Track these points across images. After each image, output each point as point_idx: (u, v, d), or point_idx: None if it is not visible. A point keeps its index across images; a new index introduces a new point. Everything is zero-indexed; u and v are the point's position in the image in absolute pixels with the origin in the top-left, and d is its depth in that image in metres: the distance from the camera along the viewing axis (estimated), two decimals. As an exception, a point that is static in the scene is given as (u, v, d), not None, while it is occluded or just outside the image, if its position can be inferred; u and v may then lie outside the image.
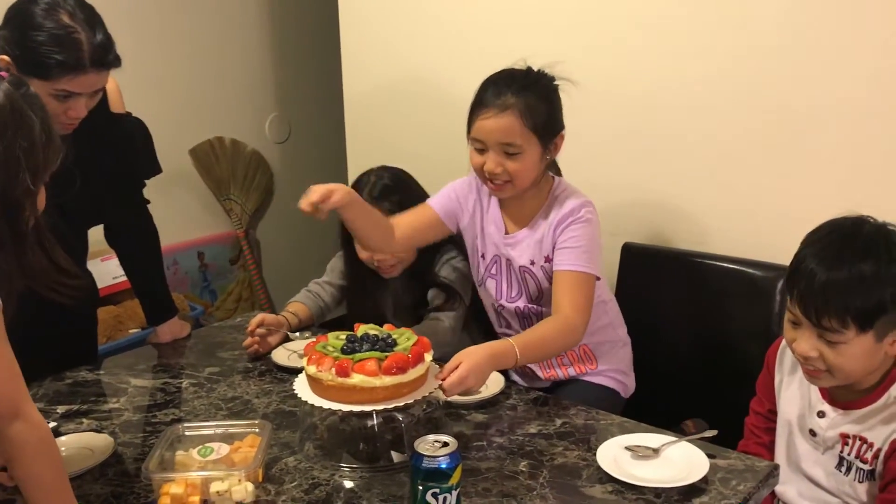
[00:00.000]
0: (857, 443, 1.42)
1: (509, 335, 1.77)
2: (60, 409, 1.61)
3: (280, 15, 3.63)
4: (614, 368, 1.89)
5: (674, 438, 1.40)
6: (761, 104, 1.91)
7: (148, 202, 2.00)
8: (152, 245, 2.02)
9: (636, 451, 1.37)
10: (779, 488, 1.50)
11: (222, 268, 3.57)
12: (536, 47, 1.78)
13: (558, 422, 1.51)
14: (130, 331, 2.64)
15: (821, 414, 1.48)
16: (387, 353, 1.38)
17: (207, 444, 1.35)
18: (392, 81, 2.60)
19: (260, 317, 1.90)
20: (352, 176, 2.80)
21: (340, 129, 2.87)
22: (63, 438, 1.48)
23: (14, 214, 1.10)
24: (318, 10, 3.62)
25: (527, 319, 1.83)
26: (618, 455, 1.36)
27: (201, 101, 3.39)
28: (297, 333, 1.94)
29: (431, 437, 1.19)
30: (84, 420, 1.58)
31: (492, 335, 1.91)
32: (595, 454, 1.36)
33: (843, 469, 1.45)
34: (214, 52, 3.39)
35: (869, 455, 1.41)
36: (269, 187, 3.70)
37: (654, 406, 1.79)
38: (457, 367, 1.43)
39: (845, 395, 1.45)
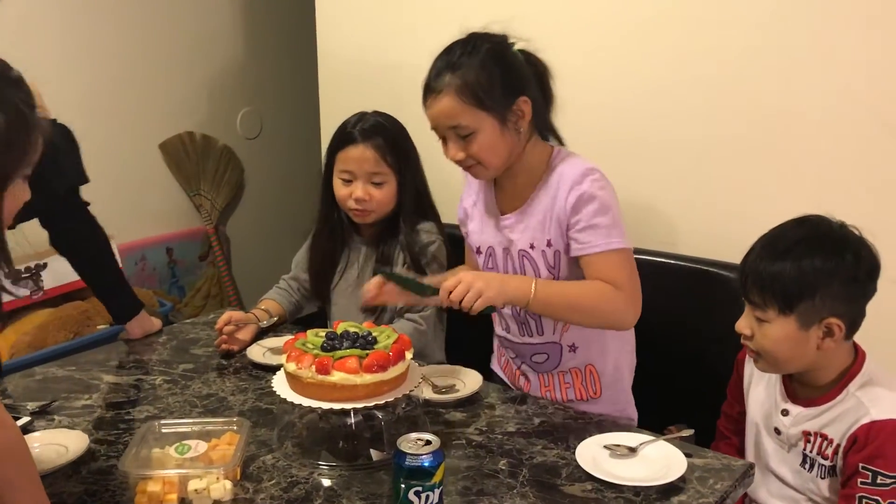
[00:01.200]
0: (819, 439, 1.45)
1: (508, 340, 1.77)
2: (31, 406, 1.58)
3: (253, 8, 3.60)
4: (620, 399, 1.76)
5: (651, 437, 1.41)
6: (732, 107, 1.93)
7: (87, 204, 1.88)
8: (98, 248, 1.91)
9: (614, 450, 1.38)
10: (750, 488, 1.52)
11: (191, 264, 3.53)
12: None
13: (536, 420, 1.52)
14: (99, 327, 2.60)
15: (784, 412, 1.51)
16: (367, 351, 1.37)
17: (184, 442, 1.33)
18: (370, 75, 2.58)
19: (227, 314, 1.87)
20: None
21: (314, 125, 2.85)
22: (36, 434, 1.45)
23: None
24: (293, 3, 3.60)
25: (524, 324, 1.71)
26: (596, 454, 1.37)
27: (172, 95, 3.34)
28: (264, 323, 1.93)
29: (414, 434, 1.19)
30: (55, 417, 1.55)
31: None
32: (574, 453, 1.37)
33: (807, 466, 1.48)
34: (186, 45, 3.34)
35: (829, 451, 1.44)
36: (240, 183, 3.66)
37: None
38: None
39: (806, 392, 1.49)
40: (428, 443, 1.17)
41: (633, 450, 1.38)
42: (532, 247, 1.63)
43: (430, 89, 1.55)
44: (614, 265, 1.54)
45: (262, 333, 1.93)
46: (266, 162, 3.75)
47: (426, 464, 1.14)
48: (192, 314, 3.43)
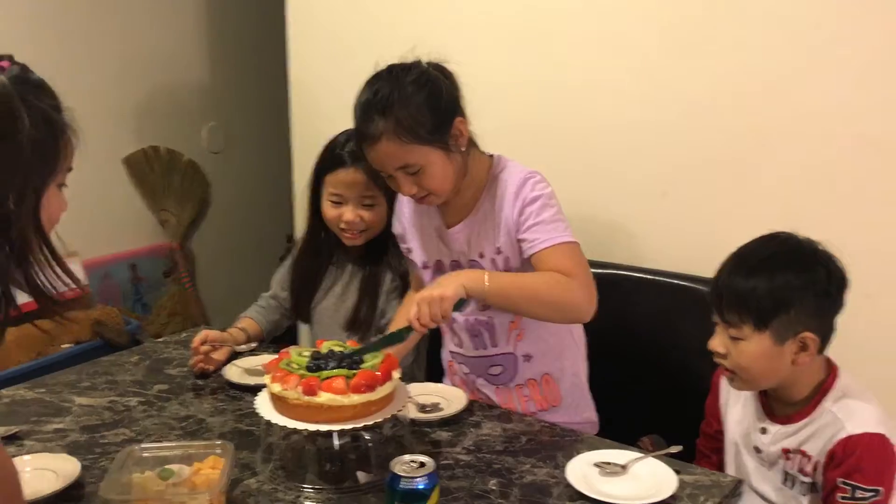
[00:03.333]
0: (798, 456, 1.46)
1: (462, 355, 1.76)
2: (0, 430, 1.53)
3: (218, 21, 3.56)
4: (581, 404, 1.76)
5: (640, 455, 1.40)
6: (702, 123, 1.94)
7: None
8: None
9: (604, 468, 1.37)
10: None
11: (156, 281, 3.46)
12: (484, 57, 1.73)
13: (524, 439, 1.51)
14: (63, 346, 2.52)
15: (763, 430, 1.51)
16: (354, 371, 1.35)
17: (167, 466, 1.29)
18: (345, 87, 2.55)
19: (203, 333, 1.83)
20: (298, 184, 2.74)
21: (282, 138, 2.82)
22: (27, 458, 1.40)
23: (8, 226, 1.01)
24: (259, 18, 3.57)
25: (477, 337, 1.70)
26: (586, 472, 1.36)
27: (136, 109, 3.28)
28: (244, 346, 1.89)
29: (407, 456, 1.17)
30: (25, 442, 1.50)
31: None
32: (563, 471, 1.36)
33: (789, 484, 1.49)
34: (150, 58, 3.29)
35: (809, 468, 1.45)
36: (206, 198, 3.60)
37: (605, 424, 1.80)
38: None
39: (783, 410, 1.50)
40: (422, 465, 1.15)
41: (623, 467, 1.37)
42: (482, 255, 1.63)
43: (365, 136, 1.52)
44: (563, 256, 1.53)
45: (236, 353, 1.89)
46: (231, 177, 3.70)
47: (421, 486, 1.13)
48: (157, 332, 3.35)
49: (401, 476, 1.12)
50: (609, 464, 1.37)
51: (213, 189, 3.63)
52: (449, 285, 1.44)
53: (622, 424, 1.77)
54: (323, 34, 2.61)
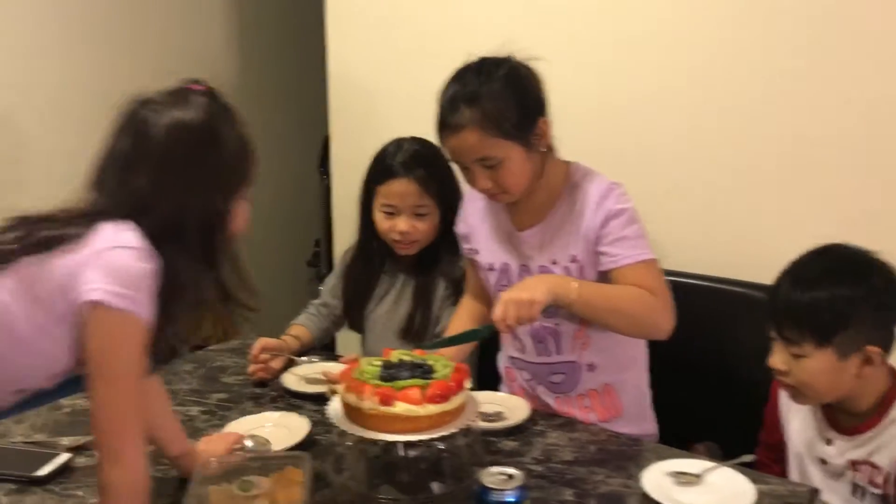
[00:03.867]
0: (867, 468, 1.45)
1: (524, 361, 1.74)
2: (66, 441, 1.52)
3: (250, 23, 3.56)
4: (641, 416, 1.74)
5: (713, 464, 1.40)
6: (755, 131, 1.93)
7: None
8: None
9: (679, 478, 1.36)
10: None
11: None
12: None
13: (592, 448, 1.50)
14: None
15: (828, 441, 1.50)
16: (428, 381, 1.34)
17: (246, 478, 1.29)
18: (382, 94, 2.55)
19: (261, 342, 1.84)
20: (337, 188, 2.74)
21: (311, 142, 2.77)
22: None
23: (210, 235, 1.14)
24: (292, 17, 3.57)
25: (541, 343, 1.69)
26: (661, 481, 1.35)
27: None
28: (304, 357, 1.89)
29: (495, 468, 1.17)
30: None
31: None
32: (637, 481, 1.35)
33: (859, 495, 1.47)
34: (182, 58, 3.28)
35: (879, 479, 1.43)
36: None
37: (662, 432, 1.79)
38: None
39: (848, 421, 1.49)
40: (510, 477, 1.15)
41: (697, 476, 1.36)
42: (554, 262, 1.62)
43: (449, 125, 1.52)
44: (646, 274, 1.54)
45: (291, 360, 1.89)
46: (260, 181, 3.68)
47: (511, 499, 1.12)
48: (198, 340, 3.36)
49: (491, 489, 1.12)
50: (684, 473, 1.37)
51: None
52: (537, 288, 1.44)
53: (672, 432, 1.77)
54: (362, 41, 2.59)
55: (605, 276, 1.58)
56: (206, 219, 1.15)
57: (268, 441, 1.52)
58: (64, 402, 1.71)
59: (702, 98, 1.98)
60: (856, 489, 1.47)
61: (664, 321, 1.53)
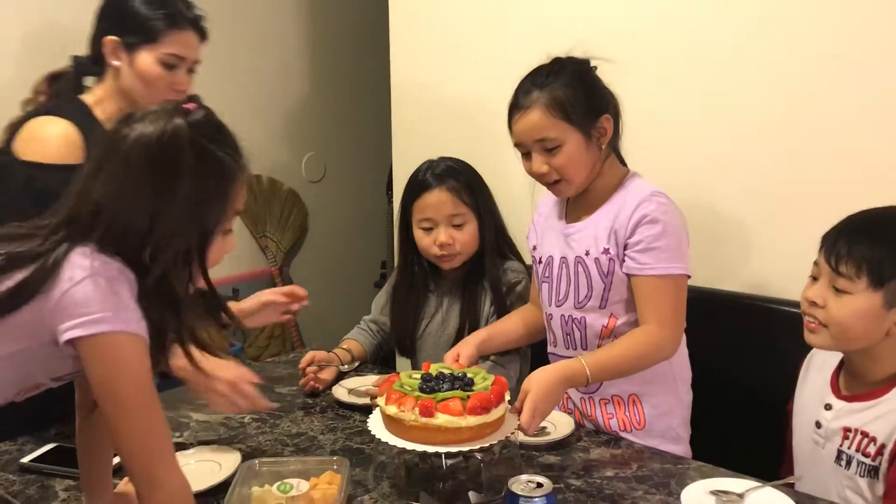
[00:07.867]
0: (858, 436, 1.42)
1: (556, 355, 1.74)
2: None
3: (321, 55, 3.67)
4: (668, 434, 1.68)
5: (757, 483, 1.37)
6: (797, 145, 1.88)
7: None
8: None
9: (721, 497, 1.34)
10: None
11: (256, 305, 3.55)
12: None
13: (634, 465, 1.49)
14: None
15: (828, 406, 1.48)
16: (468, 393, 1.36)
17: (286, 481, 1.33)
18: (443, 115, 2.59)
19: (310, 354, 1.90)
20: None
21: (378, 168, 2.85)
22: (188, 452, 1.53)
23: (172, 266, 1.07)
24: (359, 49, 3.68)
25: (569, 335, 1.70)
26: (702, 500, 1.33)
27: (241, 139, 3.40)
28: (347, 366, 1.95)
29: (524, 476, 1.18)
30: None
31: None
32: (678, 499, 1.34)
33: (843, 463, 1.44)
34: (256, 91, 3.42)
35: (871, 449, 1.39)
36: (304, 225, 3.70)
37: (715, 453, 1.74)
38: (525, 399, 1.41)
39: (855, 387, 1.46)
40: (539, 485, 1.15)
41: (740, 496, 1.34)
42: (587, 253, 1.65)
43: (518, 106, 1.61)
44: (665, 294, 1.57)
45: (342, 373, 1.94)
46: (330, 205, 3.79)
47: (539, 506, 1.12)
48: (255, 355, 3.45)
49: (520, 495, 1.13)
50: (726, 492, 1.34)
51: (311, 217, 3.73)
52: (551, 402, 1.44)
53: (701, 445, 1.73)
54: (425, 59, 2.65)
55: (628, 278, 1.62)
56: (167, 239, 1.06)
57: None
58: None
59: (757, 117, 1.95)
60: (840, 455, 1.44)
61: (668, 352, 1.59)
